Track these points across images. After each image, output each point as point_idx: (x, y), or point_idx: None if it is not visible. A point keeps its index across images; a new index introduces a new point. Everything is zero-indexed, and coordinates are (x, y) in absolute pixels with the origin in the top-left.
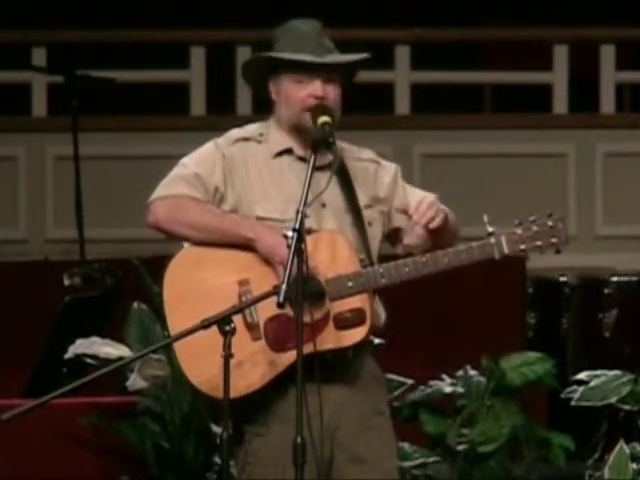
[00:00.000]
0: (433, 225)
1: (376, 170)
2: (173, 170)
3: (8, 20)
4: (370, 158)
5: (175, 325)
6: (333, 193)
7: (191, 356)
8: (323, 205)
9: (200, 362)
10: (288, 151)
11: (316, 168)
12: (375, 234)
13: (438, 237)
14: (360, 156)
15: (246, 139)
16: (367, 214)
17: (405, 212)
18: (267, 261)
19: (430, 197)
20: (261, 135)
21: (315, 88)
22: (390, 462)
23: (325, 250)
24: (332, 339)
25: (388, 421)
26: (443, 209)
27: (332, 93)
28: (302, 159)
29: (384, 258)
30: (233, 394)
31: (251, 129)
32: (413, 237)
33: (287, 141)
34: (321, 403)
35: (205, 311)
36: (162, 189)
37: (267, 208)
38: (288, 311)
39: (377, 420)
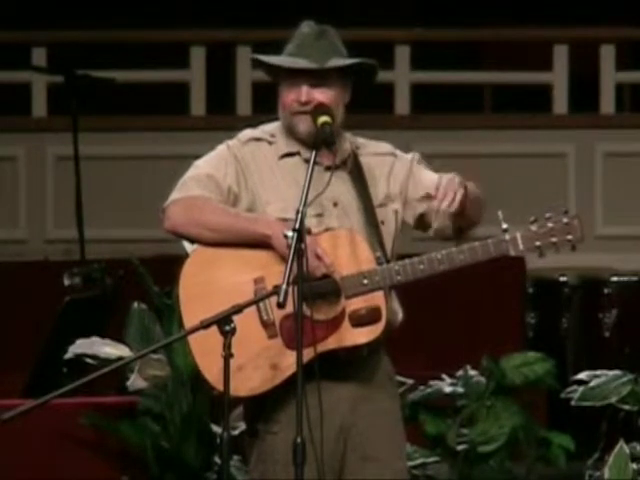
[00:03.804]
0: (454, 207)
1: (393, 163)
2: (186, 173)
3: (8, 20)
4: (388, 151)
5: (190, 323)
6: (347, 192)
7: (206, 354)
8: (335, 204)
9: (216, 360)
10: (297, 153)
11: (326, 168)
12: (388, 233)
13: (461, 215)
14: (377, 151)
15: (258, 139)
16: (380, 213)
17: (426, 197)
18: (282, 258)
19: (447, 176)
20: (272, 136)
21: (301, 93)
22: (401, 462)
23: (342, 247)
24: (342, 338)
25: (400, 421)
26: (461, 183)
27: (320, 97)
28: (309, 161)
29: (399, 257)
30: (250, 392)
31: (264, 129)
32: (440, 219)
33: (295, 144)
34: (321, 402)
35: (220, 309)
36: (175, 192)
37: (280, 208)
38: (305, 309)
39: (389, 420)
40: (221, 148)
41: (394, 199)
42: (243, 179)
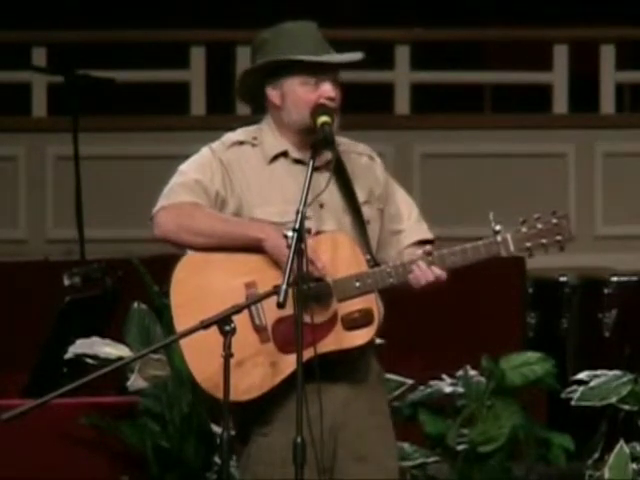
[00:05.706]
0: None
1: (371, 165)
2: (172, 179)
3: (8, 20)
4: (366, 152)
5: (182, 329)
6: (331, 193)
7: (200, 359)
8: (321, 206)
9: (210, 364)
10: (283, 154)
11: (315, 169)
12: (374, 232)
13: None
14: (357, 150)
15: (241, 143)
16: (366, 212)
17: (395, 221)
18: (274, 262)
19: (414, 212)
20: (255, 139)
21: (326, 89)
22: (392, 461)
23: (334, 251)
24: (340, 340)
25: (389, 420)
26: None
27: (339, 93)
28: (297, 161)
29: None
30: (245, 397)
31: (245, 133)
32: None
33: (282, 144)
34: (321, 403)
35: (212, 314)
36: (164, 199)
37: (267, 211)
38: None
39: (380, 419)
40: (205, 152)
41: (378, 197)
42: (229, 183)
